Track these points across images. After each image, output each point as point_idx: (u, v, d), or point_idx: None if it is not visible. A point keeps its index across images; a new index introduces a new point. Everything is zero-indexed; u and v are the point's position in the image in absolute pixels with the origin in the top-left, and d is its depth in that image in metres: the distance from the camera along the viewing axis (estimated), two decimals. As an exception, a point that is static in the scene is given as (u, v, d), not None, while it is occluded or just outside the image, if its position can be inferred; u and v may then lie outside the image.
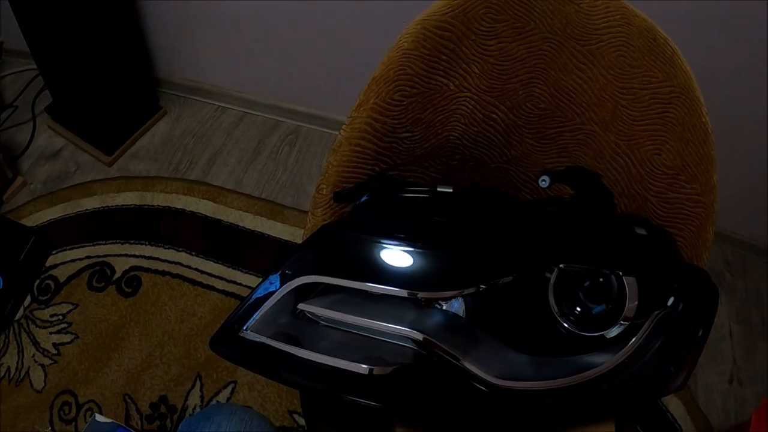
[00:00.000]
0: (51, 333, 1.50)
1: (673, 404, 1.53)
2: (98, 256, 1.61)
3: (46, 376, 1.45)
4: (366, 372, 0.65)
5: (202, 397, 1.41)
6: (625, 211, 0.93)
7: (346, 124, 0.85)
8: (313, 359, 0.67)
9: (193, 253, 1.62)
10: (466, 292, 0.69)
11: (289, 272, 0.71)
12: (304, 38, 1.61)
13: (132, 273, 1.58)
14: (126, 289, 1.56)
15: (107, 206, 1.69)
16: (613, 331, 0.70)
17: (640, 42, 0.86)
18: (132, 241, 1.63)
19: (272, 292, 0.71)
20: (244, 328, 0.70)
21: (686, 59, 0.88)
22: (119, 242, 1.63)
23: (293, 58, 1.68)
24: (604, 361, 0.69)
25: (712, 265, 1.86)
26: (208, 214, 1.68)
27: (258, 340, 0.69)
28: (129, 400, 1.41)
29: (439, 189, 0.71)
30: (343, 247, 0.72)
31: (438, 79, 0.85)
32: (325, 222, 0.82)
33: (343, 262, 0.71)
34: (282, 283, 0.71)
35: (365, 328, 0.69)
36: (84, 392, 1.42)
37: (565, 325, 0.71)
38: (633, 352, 0.70)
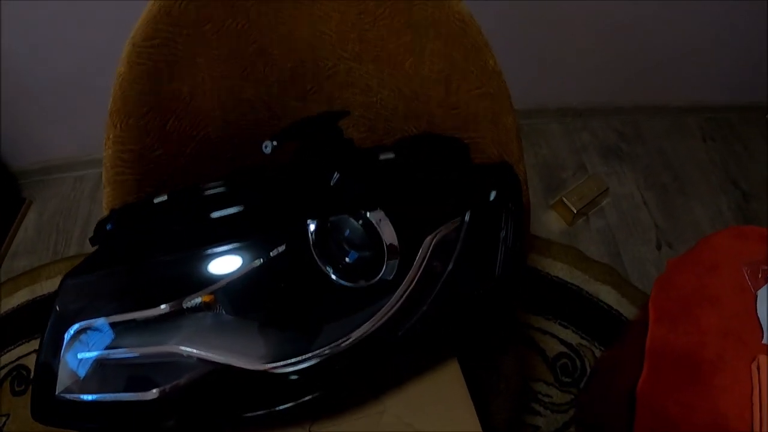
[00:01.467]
0: (-5, 451, 1.48)
1: (603, 292, 1.51)
2: (12, 362, 1.58)
3: (4, 492, 1.44)
4: (156, 395, 0.64)
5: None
6: (417, 132, 0.91)
7: (103, 165, 0.83)
8: (111, 400, 0.66)
9: (92, 327, 1.59)
10: (231, 279, 0.66)
11: (57, 329, 0.69)
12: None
13: (46, 367, 1.56)
14: (45, 385, 1.54)
15: (5, 312, 1.66)
16: (391, 273, 0.67)
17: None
18: (36, 336, 1.61)
19: (56, 351, 0.70)
20: (57, 391, 0.68)
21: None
22: (25, 341, 1.60)
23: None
24: (385, 303, 0.66)
25: (603, 141, 1.84)
26: (94, 284, 1.66)
27: (71, 398, 0.67)
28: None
29: (155, 200, 0.68)
30: (93, 287, 0.69)
31: (166, 87, 0.82)
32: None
33: (99, 300, 0.69)
34: (59, 340, 0.69)
35: (141, 356, 0.67)
36: (40, 495, 1.41)
37: (336, 279, 0.67)
38: (416, 285, 0.68)
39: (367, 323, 0.65)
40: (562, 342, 1.42)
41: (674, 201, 1.73)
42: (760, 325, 0.91)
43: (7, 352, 1.60)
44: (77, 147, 1.81)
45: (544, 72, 1.73)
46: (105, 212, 0.84)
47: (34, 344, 1.60)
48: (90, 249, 1.65)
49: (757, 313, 0.92)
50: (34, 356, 1.56)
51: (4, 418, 1.52)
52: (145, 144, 0.82)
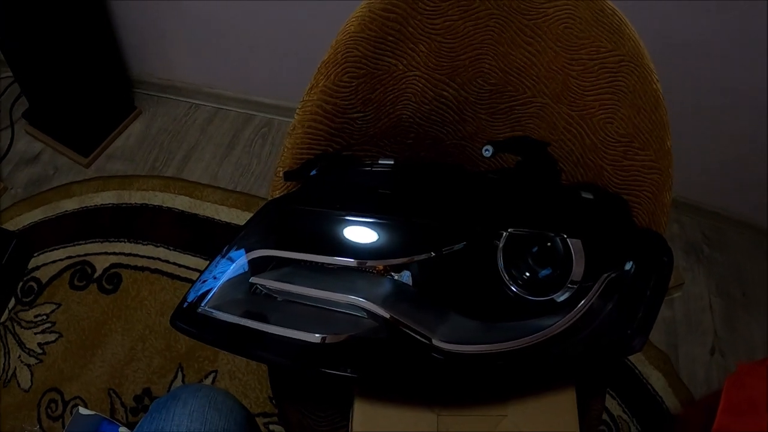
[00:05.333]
0: (36, 333, 1.52)
1: (654, 376, 1.54)
2: (79, 256, 1.62)
3: (32, 375, 1.46)
4: (318, 341, 0.66)
5: (184, 388, 1.43)
6: (581, 180, 0.95)
7: (299, 108, 0.87)
8: (266, 330, 0.69)
9: (171, 248, 1.63)
10: (415, 259, 0.70)
11: (238, 249, 0.73)
12: (270, 30, 1.62)
13: (112, 270, 1.60)
14: (107, 287, 1.57)
15: (86, 207, 1.70)
16: (562, 295, 0.72)
17: (587, 13, 0.87)
18: (111, 239, 1.64)
19: (225, 269, 0.73)
20: (203, 304, 0.72)
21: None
22: (99, 241, 1.64)
23: (261, 51, 1.70)
24: (553, 324, 0.70)
25: (689, 238, 1.88)
26: (185, 209, 1.70)
27: (215, 315, 0.71)
28: (113, 395, 1.43)
29: (381, 161, 0.72)
30: (289, 221, 0.74)
31: (385, 59, 0.86)
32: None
33: (291, 235, 0.73)
34: (233, 260, 0.73)
35: (317, 299, 0.70)
36: (70, 389, 1.44)
37: (515, 289, 0.72)
38: (583, 315, 0.72)
39: (533, 336, 0.69)
40: (606, 410, 1.46)
41: (737, 315, 1.76)
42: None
43: (78, 245, 1.64)
44: (203, 77, 1.85)
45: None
46: (285, 156, 0.87)
47: (107, 246, 1.64)
48: (190, 177, 1.70)
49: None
50: (103, 257, 1.61)
51: (54, 306, 1.55)
52: (349, 103, 0.86)
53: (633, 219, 0.90)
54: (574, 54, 0.88)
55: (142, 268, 1.60)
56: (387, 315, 0.67)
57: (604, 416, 1.44)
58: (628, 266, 0.76)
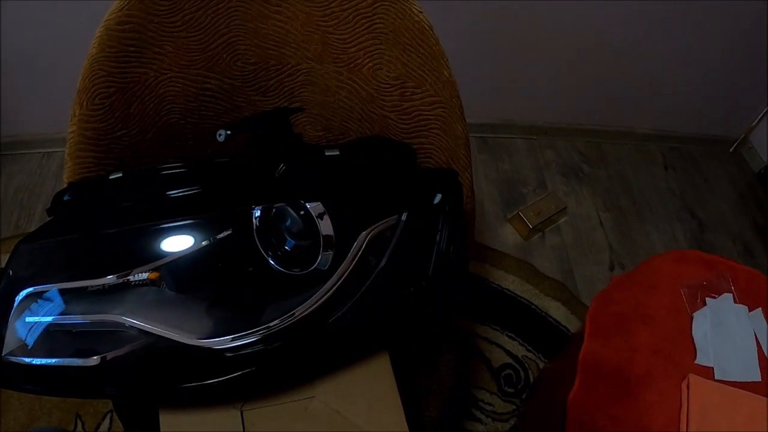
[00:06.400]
0: (-61, 419, 1.48)
1: (553, 307, 1.55)
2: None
3: (-58, 462, 1.43)
4: (98, 362, 0.66)
5: (85, 433, 1.40)
6: (369, 134, 0.94)
7: (67, 141, 0.85)
8: (55, 364, 0.68)
9: (47, 303, 1.60)
10: (179, 257, 0.68)
11: (5, 294, 0.71)
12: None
13: (-3, 339, 1.56)
14: (-6, 356, 1.54)
15: (-40, 282, 1.65)
16: (323, 262, 0.70)
17: (325, -36, 0.85)
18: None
19: (5, 315, 0.72)
20: (3, 353, 0.70)
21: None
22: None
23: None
24: (317, 293, 0.69)
25: (566, 161, 1.89)
26: (52, 261, 1.66)
27: (16, 361, 0.69)
28: (24, 457, 1.40)
29: (110, 177, 0.71)
30: (44, 255, 0.72)
31: (133, 71, 0.85)
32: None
33: (50, 267, 0.71)
34: (6, 305, 0.71)
35: (91, 323, 0.69)
36: (-16, 465, 1.41)
37: (275, 266, 0.70)
38: (347, 279, 0.71)
39: (298, 309, 0.68)
40: (508, 353, 1.45)
41: (630, 225, 1.78)
42: (694, 345, 0.95)
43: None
44: (47, 124, 1.81)
45: (514, 89, 1.77)
46: (65, 186, 0.86)
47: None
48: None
49: (692, 334, 0.96)
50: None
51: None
52: (108, 124, 0.84)
53: (417, 163, 0.89)
54: (326, 9, 0.87)
55: (24, 330, 1.56)
56: (148, 327, 0.66)
57: (508, 359, 1.44)
58: (395, 215, 0.75)
